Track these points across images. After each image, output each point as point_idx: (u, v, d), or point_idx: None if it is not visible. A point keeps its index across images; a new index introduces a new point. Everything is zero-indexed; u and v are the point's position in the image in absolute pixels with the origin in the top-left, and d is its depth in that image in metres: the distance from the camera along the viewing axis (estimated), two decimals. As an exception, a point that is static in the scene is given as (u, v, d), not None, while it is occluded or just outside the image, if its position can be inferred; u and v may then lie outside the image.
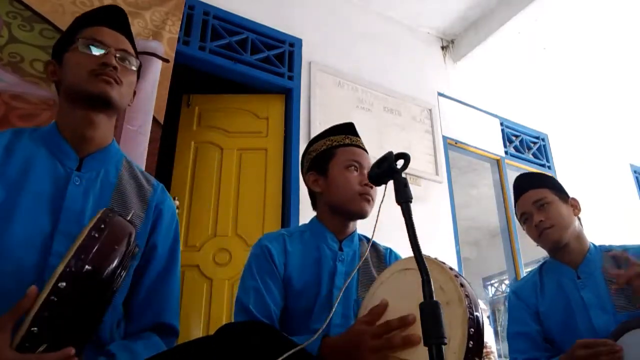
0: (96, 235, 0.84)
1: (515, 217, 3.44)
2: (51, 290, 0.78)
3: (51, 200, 0.98)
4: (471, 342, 0.85)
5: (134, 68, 1.11)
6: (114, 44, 1.08)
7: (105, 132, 1.09)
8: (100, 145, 1.08)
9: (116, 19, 1.13)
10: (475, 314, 0.89)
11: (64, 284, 0.79)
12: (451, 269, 0.97)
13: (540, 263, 1.68)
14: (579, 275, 1.52)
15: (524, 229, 1.64)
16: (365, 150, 1.41)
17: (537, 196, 1.57)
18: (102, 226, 0.86)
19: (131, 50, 1.12)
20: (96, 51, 1.05)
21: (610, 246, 1.57)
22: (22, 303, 0.80)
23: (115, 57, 1.06)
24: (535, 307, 1.57)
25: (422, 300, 0.77)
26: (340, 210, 1.33)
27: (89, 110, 1.05)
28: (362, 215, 1.32)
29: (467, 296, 0.90)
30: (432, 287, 0.77)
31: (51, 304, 0.78)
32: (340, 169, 1.34)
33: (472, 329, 0.86)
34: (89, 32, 1.08)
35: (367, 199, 1.30)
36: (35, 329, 0.77)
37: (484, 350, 2.86)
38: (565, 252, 1.56)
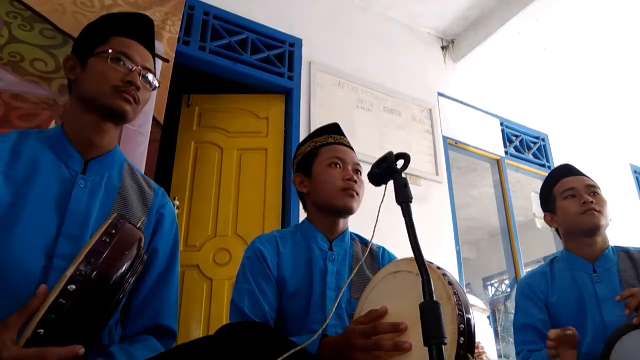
0: (107, 240, 0.85)
1: (514, 217, 3.50)
2: (60, 293, 0.78)
3: (56, 202, 0.99)
4: (462, 338, 0.86)
5: (156, 84, 1.13)
6: (140, 61, 1.09)
7: (111, 139, 1.11)
8: (105, 149, 1.10)
9: (146, 34, 1.15)
10: (464, 310, 0.90)
11: (73, 286, 0.79)
12: (439, 267, 0.98)
13: (553, 257, 1.69)
14: (595, 269, 1.54)
15: (557, 204, 1.62)
16: (350, 148, 1.42)
17: (593, 184, 1.61)
18: (113, 232, 0.87)
19: (153, 69, 1.14)
20: (124, 67, 1.06)
21: (627, 247, 1.60)
22: (32, 302, 0.80)
23: (140, 75, 1.07)
24: (545, 298, 1.59)
25: (414, 302, 0.78)
26: (326, 208, 1.34)
27: (100, 119, 1.06)
28: (348, 210, 1.32)
29: (455, 294, 0.91)
30: (421, 286, 0.78)
31: (59, 306, 0.78)
32: (323, 167, 1.35)
33: (462, 325, 0.87)
34: (119, 42, 1.08)
35: (351, 193, 1.31)
36: (42, 330, 0.77)
37: (477, 351, 2.86)
38: (587, 245, 1.57)
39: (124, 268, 0.86)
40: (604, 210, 1.56)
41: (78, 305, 0.79)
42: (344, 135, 1.46)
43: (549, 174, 1.75)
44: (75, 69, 1.08)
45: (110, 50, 1.05)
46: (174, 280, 1.14)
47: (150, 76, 1.11)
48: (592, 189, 1.59)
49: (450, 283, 0.93)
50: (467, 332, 0.88)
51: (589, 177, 1.65)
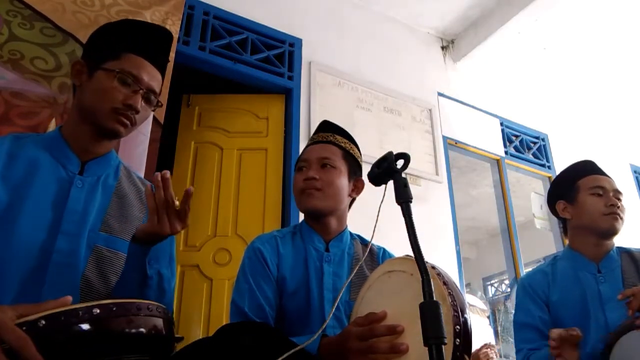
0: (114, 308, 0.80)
1: (514, 217, 3.50)
2: (84, 307, 0.75)
3: (55, 202, 1.02)
4: (458, 340, 0.85)
5: (157, 105, 1.14)
6: (147, 82, 1.09)
7: (106, 147, 1.14)
8: (101, 152, 1.13)
9: (160, 52, 1.14)
10: (460, 311, 0.89)
11: (98, 310, 0.75)
12: (434, 267, 0.97)
13: (554, 256, 1.70)
14: (599, 270, 1.55)
15: (579, 196, 1.62)
16: (327, 142, 1.38)
17: (620, 190, 1.62)
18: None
19: (158, 89, 1.14)
20: (128, 88, 1.06)
21: (629, 248, 1.61)
22: (50, 302, 0.77)
23: (143, 97, 1.08)
24: (545, 297, 1.59)
25: (408, 302, 0.79)
26: (301, 212, 1.36)
27: (95, 133, 1.09)
28: (311, 211, 1.31)
29: (450, 294, 0.90)
30: (415, 286, 0.78)
31: (75, 315, 0.75)
32: (294, 174, 1.37)
33: (458, 326, 0.86)
34: (130, 62, 1.07)
35: (308, 193, 1.29)
36: (43, 322, 0.74)
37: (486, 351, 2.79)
38: (595, 245, 1.58)
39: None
40: (624, 217, 1.58)
41: (93, 329, 0.75)
42: (325, 130, 1.43)
43: (576, 166, 1.73)
44: (82, 75, 1.09)
45: (118, 70, 1.05)
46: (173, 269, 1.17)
47: (153, 98, 1.12)
48: (619, 195, 1.61)
49: (445, 283, 0.92)
50: (463, 334, 0.86)
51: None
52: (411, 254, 0.85)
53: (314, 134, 1.45)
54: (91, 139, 1.09)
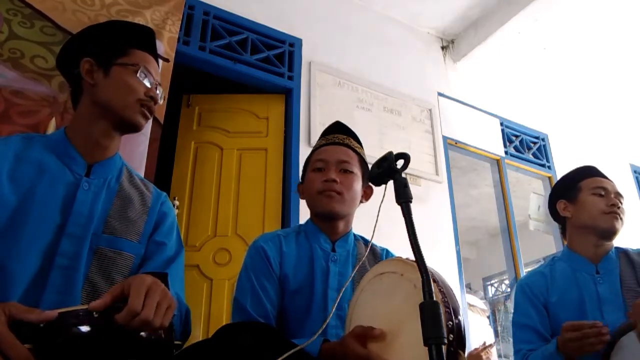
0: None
1: (514, 217, 3.50)
2: (86, 311, 0.76)
3: (61, 204, 1.02)
4: (451, 335, 0.86)
5: (161, 101, 1.18)
6: (156, 76, 1.15)
7: (116, 145, 1.16)
8: (107, 155, 1.14)
9: (155, 49, 1.20)
10: (452, 308, 0.90)
11: (96, 314, 0.75)
12: None
13: (553, 257, 1.71)
14: (598, 271, 1.56)
15: (581, 196, 1.64)
16: (343, 144, 1.38)
17: (622, 194, 1.63)
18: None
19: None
20: (147, 81, 1.12)
21: (627, 249, 1.61)
22: (35, 315, 0.76)
23: (156, 90, 1.14)
24: (544, 298, 1.60)
25: (401, 303, 0.79)
26: (314, 213, 1.35)
27: (111, 127, 1.11)
28: (329, 213, 1.30)
29: (441, 291, 0.90)
30: (406, 286, 0.78)
31: (75, 316, 0.75)
32: (310, 172, 1.35)
33: (450, 322, 0.87)
34: (142, 57, 1.14)
35: (328, 195, 1.28)
36: (25, 328, 0.75)
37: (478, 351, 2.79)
38: (595, 245, 1.59)
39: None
40: (624, 219, 1.59)
41: (92, 331, 0.75)
42: (341, 132, 1.43)
43: (579, 168, 1.75)
44: (93, 73, 1.11)
45: (137, 64, 1.11)
46: (180, 264, 1.16)
47: (160, 91, 1.16)
48: (620, 198, 1.62)
49: (435, 281, 0.92)
50: (456, 330, 0.87)
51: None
52: (411, 255, 0.85)
53: (328, 133, 1.43)
54: (105, 133, 1.11)
